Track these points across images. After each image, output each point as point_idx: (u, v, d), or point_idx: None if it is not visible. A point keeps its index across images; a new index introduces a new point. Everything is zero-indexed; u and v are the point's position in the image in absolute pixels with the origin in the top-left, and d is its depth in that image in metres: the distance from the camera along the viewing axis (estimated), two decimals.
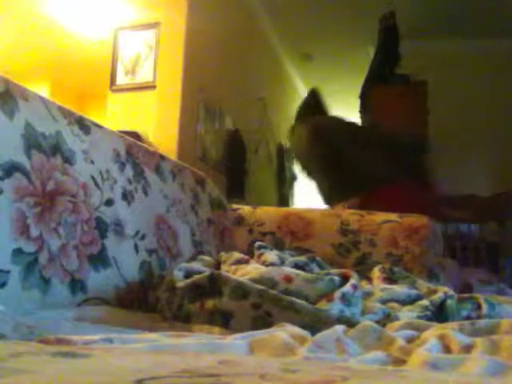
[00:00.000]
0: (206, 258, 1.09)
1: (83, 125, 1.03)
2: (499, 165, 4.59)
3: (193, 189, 1.46)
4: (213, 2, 3.98)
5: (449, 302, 0.94)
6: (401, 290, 1.02)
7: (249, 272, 0.89)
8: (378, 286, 1.10)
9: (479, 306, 0.95)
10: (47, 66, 5.31)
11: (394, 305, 0.95)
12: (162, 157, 1.35)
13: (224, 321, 0.79)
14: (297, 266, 0.99)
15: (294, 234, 1.68)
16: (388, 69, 4.27)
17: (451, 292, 0.99)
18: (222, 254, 1.09)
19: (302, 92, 6.87)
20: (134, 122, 3.36)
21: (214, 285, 0.83)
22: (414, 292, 1.03)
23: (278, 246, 1.56)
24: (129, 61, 3.58)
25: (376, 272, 1.24)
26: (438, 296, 0.97)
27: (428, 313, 0.91)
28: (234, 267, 0.96)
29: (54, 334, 0.55)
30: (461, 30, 4.83)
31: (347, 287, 0.84)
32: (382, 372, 0.42)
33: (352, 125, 3.30)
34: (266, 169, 5.39)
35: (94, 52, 4.49)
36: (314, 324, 0.74)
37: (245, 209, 1.77)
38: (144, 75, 3.51)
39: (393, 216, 1.73)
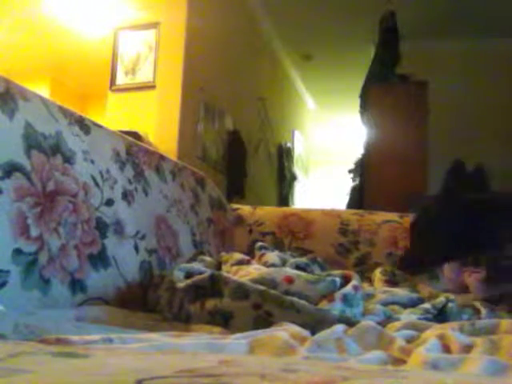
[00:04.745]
0: (207, 258, 1.09)
1: (83, 125, 1.03)
2: (499, 165, 4.59)
3: (193, 189, 1.46)
4: (213, 2, 3.98)
5: (450, 305, 0.95)
6: (402, 292, 1.03)
7: (250, 273, 0.89)
8: (379, 288, 1.10)
9: (479, 311, 0.95)
10: (47, 66, 5.31)
11: (395, 307, 0.95)
12: (162, 157, 1.35)
13: (224, 321, 0.79)
14: (298, 267, 0.98)
15: (294, 234, 1.68)
16: (388, 69, 4.27)
17: (452, 297, 0.99)
18: (223, 254, 1.09)
19: (302, 92, 6.88)
20: (134, 122, 3.36)
21: (214, 285, 0.83)
22: (415, 295, 1.03)
23: (278, 246, 1.56)
24: (129, 61, 3.58)
25: (377, 274, 1.24)
26: (439, 300, 0.97)
27: (429, 315, 0.91)
28: (235, 268, 0.96)
29: (54, 334, 0.55)
30: (461, 30, 4.83)
31: (348, 288, 0.84)
32: (382, 372, 0.42)
33: None
34: (266, 169, 5.39)
35: (94, 52, 4.49)
36: (315, 324, 0.74)
37: (245, 209, 1.77)
38: (144, 75, 3.52)
39: (393, 216, 1.73)
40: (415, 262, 1.54)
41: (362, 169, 4.41)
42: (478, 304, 0.96)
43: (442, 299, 0.96)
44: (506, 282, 1.58)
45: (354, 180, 4.69)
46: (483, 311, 0.94)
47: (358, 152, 4.61)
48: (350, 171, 4.80)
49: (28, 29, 4.63)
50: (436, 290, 1.11)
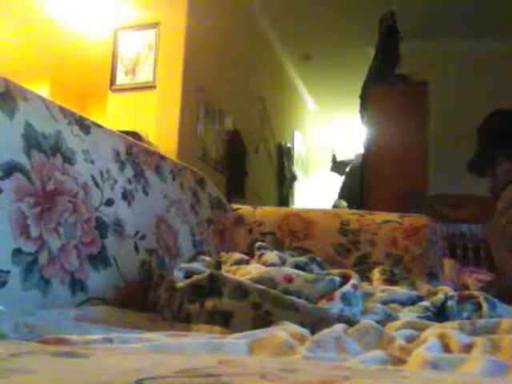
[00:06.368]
0: (207, 258, 1.09)
1: (83, 125, 1.03)
2: None
3: (193, 189, 1.46)
4: (213, 2, 3.98)
5: (449, 303, 0.94)
6: (401, 291, 1.02)
7: (249, 272, 0.89)
8: (378, 286, 1.10)
9: (480, 307, 0.95)
10: (47, 66, 5.31)
11: (395, 306, 0.95)
12: (162, 157, 1.35)
13: (224, 321, 0.79)
14: (297, 266, 0.98)
15: (294, 234, 1.68)
16: (388, 69, 4.28)
17: (451, 293, 0.99)
18: (223, 254, 1.09)
19: (302, 92, 6.87)
20: (134, 121, 3.36)
21: (213, 285, 0.83)
22: (414, 293, 1.03)
23: (278, 246, 1.56)
24: (129, 61, 3.58)
25: (376, 274, 1.24)
26: (438, 297, 0.97)
27: (428, 314, 0.91)
28: (234, 267, 0.96)
29: (54, 334, 0.55)
30: (461, 30, 4.83)
31: (347, 287, 0.84)
32: (382, 371, 0.42)
33: None
34: (266, 169, 5.39)
35: (94, 52, 4.49)
36: (315, 323, 0.74)
37: (245, 209, 1.77)
38: (144, 75, 3.51)
39: (393, 216, 1.73)
40: (481, 164, 1.95)
41: (344, 166, 4.59)
42: (480, 298, 0.96)
43: (441, 296, 0.96)
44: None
45: (342, 176, 4.88)
46: (484, 306, 0.93)
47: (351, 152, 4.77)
48: (332, 169, 4.98)
49: (28, 29, 4.63)
50: (435, 287, 1.11)
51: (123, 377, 0.33)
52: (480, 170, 1.99)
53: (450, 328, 0.70)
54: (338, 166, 5.24)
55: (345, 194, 4.96)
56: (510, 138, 1.90)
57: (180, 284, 0.87)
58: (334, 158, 5.32)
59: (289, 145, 6.11)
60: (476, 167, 1.99)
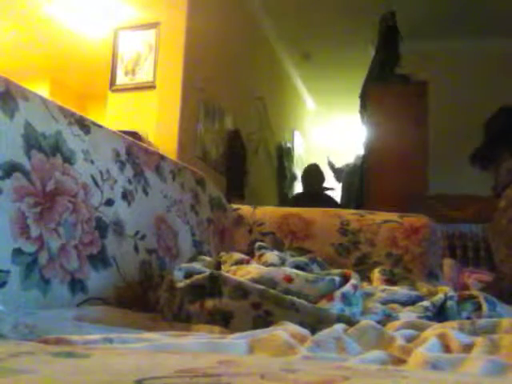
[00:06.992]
0: (207, 258, 1.09)
1: (83, 125, 1.03)
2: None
3: (193, 189, 1.46)
4: (213, 2, 3.98)
5: (449, 303, 0.94)
6: (401, 291, 1.03)
7: (249, 272, 0.89)
8: (378, 286, 1.10)
9: (480, 307, 0.95)
10: (47, 66, 5.31)
11: (395, 306, 0.95)
12: (162, 157, 1.35)
13: (224, 321, 0.79)
14: (297, 266, 0.98)
15: (294, 234, 1.68)
16: (388, 69, 4.28)
17: (451, 293, 0.99)
18: (223, 254, 1.09)
19: (302, 92, 6.87)
20: (134, 122, 3.36)
21: (213, 285, 0.83)
22: (414, 293, 1.03)
23: (278, 246, 1.56)
24: (129, 61, 3.58)
25: (376, 274, 1.24)
26: (438, 297, 0.97)
27: (428, 313, 0.91)
28: (234, 267, 0.96)
29: (54, 334, 0.55)
30: (461, 30, 4.83)
31: (347, 287, 0.84)
32: (382, 371, 0.42)
33: None
34: (266, 169, 5.39)
35: (94, 52, 4.49)
36: (315, 323, 0.74)
37: (245, 209, 1.77)
38: (144, 75, 3.51)
39: (393, 216, 1.73)
40: (485, 158, 1.93)
41: (341, 173, 4.65)
42: (480, 297, 0.96)
43: (441, 296, 0.96)
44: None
45: (339, 181, 4.98)
46: (484, 306, 0.93)
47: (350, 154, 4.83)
48: (336, 176, 5.04)
49: (28, 29, 4.63)
50: (435, 287, 1.11)
51: (123, 377, 0.33)
52: (483, 162, 1.97)
53: (450, 328, 0.70)
54: (336, 172, 5.31)
55: (343, 193, 4.99)
56: None
57: (180, 284, 0.87)
58: (330, 164, 5.36)
59: (289, 145, 6.11)
60: (479, 159, 1.98)
